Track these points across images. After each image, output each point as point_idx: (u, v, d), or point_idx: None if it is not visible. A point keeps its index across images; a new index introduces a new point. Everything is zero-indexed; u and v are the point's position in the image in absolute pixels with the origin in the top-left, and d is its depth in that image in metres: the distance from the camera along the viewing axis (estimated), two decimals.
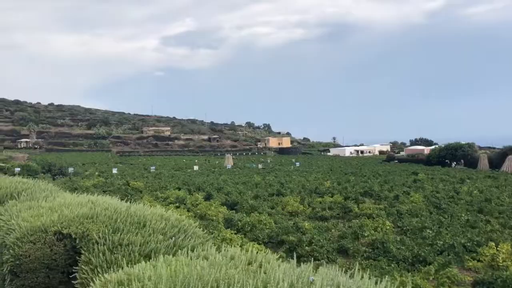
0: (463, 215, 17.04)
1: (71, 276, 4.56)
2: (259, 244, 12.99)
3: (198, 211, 17.35)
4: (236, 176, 37.51)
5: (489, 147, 73.31)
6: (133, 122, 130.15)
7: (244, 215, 16.74)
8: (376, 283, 3.00)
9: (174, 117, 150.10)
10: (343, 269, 3.21)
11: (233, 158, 63.20)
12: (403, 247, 12.20)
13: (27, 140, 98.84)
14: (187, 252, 3.57)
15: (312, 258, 11.36)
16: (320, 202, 20.75)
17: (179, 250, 3.69)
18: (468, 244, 12.64)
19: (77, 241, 4.66)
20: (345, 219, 17.56)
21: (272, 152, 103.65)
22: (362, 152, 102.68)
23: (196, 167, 49.43)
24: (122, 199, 6.52)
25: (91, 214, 5.01)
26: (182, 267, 2.98)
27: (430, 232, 14.03)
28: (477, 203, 20.38)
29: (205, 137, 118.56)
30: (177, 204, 19.23)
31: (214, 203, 19.14)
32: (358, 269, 3.19)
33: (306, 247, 12.54)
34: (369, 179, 32.57)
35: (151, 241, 4.17)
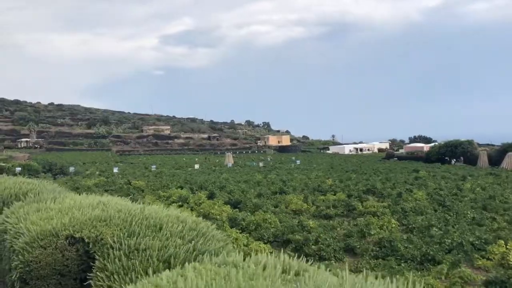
0: (468, 212, 16.88)
1: (85, 284, 4.32)
2: (265, 243, 12.86)
3: (202, 210, 17.18)
4: (237, 174, 37.32)
5: (488, 144, 73.23)
6: (133, 121, 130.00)
7: (248, 214, 16.60)
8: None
9: (173, 116, 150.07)
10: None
11: (233, 157, 63.00)
12: (410, 246, 12.06)
13: (27, 139, 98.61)
14: (210, 258, 3.34)
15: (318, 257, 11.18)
16: (323, 200, 20.56)
17: (200, 255, 3.50)
18: (477, 242, 12.48)
19: (90, 246, 4.43)
20: (350, 217, 17.39)
21: (272, 150, 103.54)
22: (361, 149, 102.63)
23: (197, 166, 49.22)
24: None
25: (104, 217, 4.80)
26: (219, 279, 2.65)
27: (437, 230, 13.90)
28: (481, 200, 20.23)
29: (205, 135, 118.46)
30: (180, 203, 19.06)
31: (218, 202, 18.97)
32: (367, 269, 2.98)
33: (313, 246, 12.39)
34: (371, 177, 32.38)
35: (170, 246, 3.93)
